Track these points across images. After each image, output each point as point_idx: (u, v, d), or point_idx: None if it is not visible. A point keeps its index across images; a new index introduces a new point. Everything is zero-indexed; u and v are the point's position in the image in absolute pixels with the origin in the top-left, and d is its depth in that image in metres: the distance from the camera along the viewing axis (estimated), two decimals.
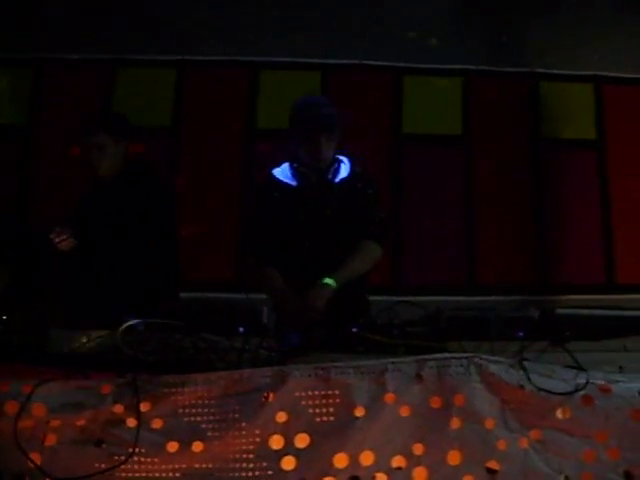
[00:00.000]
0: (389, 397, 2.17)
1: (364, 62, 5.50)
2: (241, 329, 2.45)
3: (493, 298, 5.06)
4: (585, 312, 2.77)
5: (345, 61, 5.47)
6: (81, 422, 2.16)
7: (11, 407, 2.12)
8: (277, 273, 3.25)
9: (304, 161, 3.30)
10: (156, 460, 2.14)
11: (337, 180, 3.32)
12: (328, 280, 3.10)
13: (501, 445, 2.19)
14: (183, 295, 3.46)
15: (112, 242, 3.40)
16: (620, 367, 2.40)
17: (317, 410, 2.15)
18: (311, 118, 3.23)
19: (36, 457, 2.12)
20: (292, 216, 3.30)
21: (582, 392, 2.22)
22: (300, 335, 2.46)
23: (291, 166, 3.34)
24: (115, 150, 3.53)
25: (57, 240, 3.36)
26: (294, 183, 3.32)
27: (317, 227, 3.29)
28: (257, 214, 3.41)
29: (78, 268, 3.45)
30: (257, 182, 3.54)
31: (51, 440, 2.16)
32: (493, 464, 2.18)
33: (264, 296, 3.22)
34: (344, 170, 3.34)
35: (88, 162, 3.53)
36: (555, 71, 5.61)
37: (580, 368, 2.27)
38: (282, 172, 3.37)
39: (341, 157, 3.36)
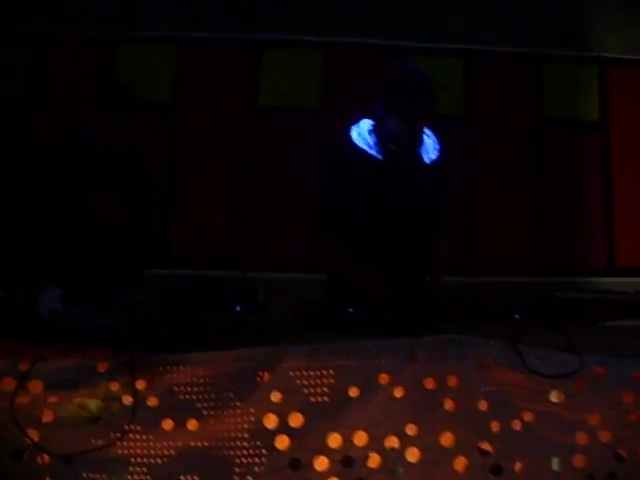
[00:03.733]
0: (383, 378, 2.19)
1: (368, 41, 5.46)
2: (237, 308, 2.46)
3: (493, 279, 5.07)
4: (582, 295, 2.76)
5: (349, 39, 5.43)
6: (78, 399, 2.18)
7: (8, 384, 2.13)
8: (346, 251, 3.02)
9: (392, 133, 3.00)
10: (151, 437, 2.17)
11: (428, 161, 3.09)
12: None
13: (494, 427, 2.21)
14: (180, 272, 3.46)
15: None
16: (615, 351, 2.40)
17: (311, 390, 2.17)
18: (416, 99, 2.92)
19: (34, 434, 2.14)
20: (376, 191, 3.02)
21: (575, 375, 2.23)
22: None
23: (374, 133, 3.04)
24: None
25: (105, 209, 3.36)
26: (380, 156, 3.03)
27: (399, 207, 3.05)
28: (333, 182, 3.08)
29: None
30: (335, 148, 3.20)
31: (48, 417, 2.17)
32: (486, 445, 2.20)
33: (261, 275, 3.20)
34: (431, 147, 3.10)
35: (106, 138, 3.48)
36: (559, 52, 5.57)
37: (574, 351, 2.28)
38: (362, 138, 3.04)
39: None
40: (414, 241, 3.09)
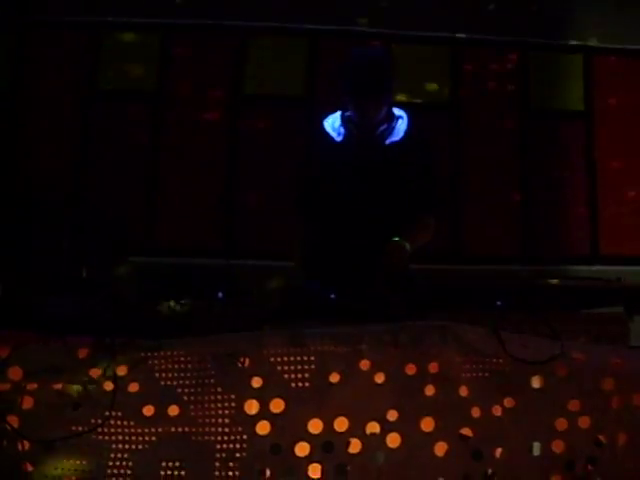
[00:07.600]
0: (364, 364, 2.19)
1: (353, 28, 5.45)
2: (220, 294, 2.46)
3: (478, 267, 5.09)
4: (563, 282, 2.79)
5: (334, 27, 5.42)
6: (58, 385, 2.17)
7: None
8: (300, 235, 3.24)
9: (351, 116, 3.12)
10: (132, 423, 2.16)
11: (387, 142, 3.12)
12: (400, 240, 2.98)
13: (475, 412, 2.22)
14: (164, 260, 3.46)
15: None
16: (595, 337, 2.42)
17: (292, 376, 2.16)
18: (358, 79, 2.99)
19: (13, 420, 2.12)
20: (335, 171, 3.12)
21: (556, 361, 2.24)
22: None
23: (342, 116, 3.16)
24: None
25: None
26: (339, 138, 3.14)
27: (361, 187, 3.11)
28: (306, 163, 3.36)
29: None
30: (310, 136, 3.46)
31: (28, 403, 2.16)
32: (466, 431, 2.21)
33: (244, 262, 3.22)
34: (400, 129, 3.14)
35: None
36: (545, 41, 5.57)
37: (555, 337, 2.29)
38: (332, 122, 3.18)
39: (400, 113, 3.16)
40: (375, 221, 3.09)
